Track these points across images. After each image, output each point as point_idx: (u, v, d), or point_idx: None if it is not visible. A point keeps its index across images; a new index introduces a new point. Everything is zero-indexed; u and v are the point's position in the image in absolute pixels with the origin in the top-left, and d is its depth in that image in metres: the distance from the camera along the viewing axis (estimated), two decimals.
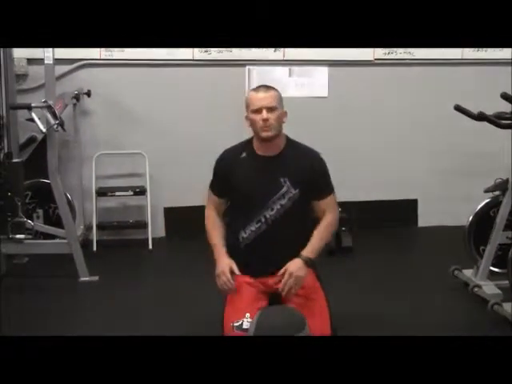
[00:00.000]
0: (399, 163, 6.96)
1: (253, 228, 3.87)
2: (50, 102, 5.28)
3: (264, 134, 3.79)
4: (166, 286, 5.40)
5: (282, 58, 6.61)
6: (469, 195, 5.52)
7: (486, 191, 5.18)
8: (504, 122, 4.78)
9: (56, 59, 5.38)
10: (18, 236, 5.45)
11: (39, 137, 5.87)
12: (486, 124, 4.76)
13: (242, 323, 3.71)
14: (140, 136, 6.65)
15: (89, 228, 6.55)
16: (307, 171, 3.88)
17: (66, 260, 5.50)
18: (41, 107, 5.30)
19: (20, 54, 6.04)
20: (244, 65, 6.63)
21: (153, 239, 6.48)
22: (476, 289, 4.94)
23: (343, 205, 6.13)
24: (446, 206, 6.93)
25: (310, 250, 3.88)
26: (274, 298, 4.01)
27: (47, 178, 5.56)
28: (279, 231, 3.84)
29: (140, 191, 6.56)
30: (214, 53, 6.48)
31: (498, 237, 4.95)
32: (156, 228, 6.70)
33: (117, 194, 6.60)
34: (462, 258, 5.29)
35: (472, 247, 5.21)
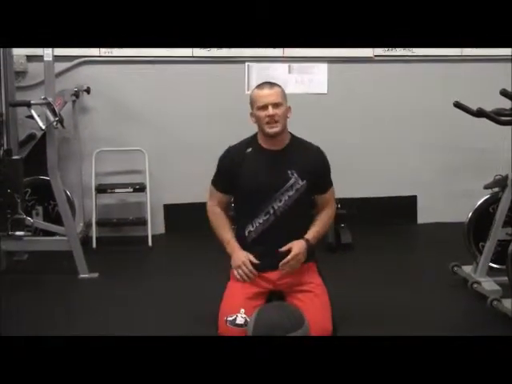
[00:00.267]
0: (399, 160, 6.95)
1: (261, 220, 3.92)
2: (50, 99, 5.28)
3: (270, 130, 3.85)
4: (166, 283, 5.39)
5: (281, 54, 6.60)
6: (468, 192, 5.53)
7: (486, 188, 5.18)
8: (503, 118, 4.79)
9: (55, 56, 5.36)
10: (17, 233, 5.44)
11: (39, 134, 5.85)
12: (485, 120, 4.77)
13: (235, 318, 3.76)
14: (139, 133, 6.65)
15: (88, 225, 6.55)
16: (313, 164, 4.00)
17: (65, 257, 5.50)
18: (40, 104, 5.29)
19: (19, 51, 6.03)
20: (243, 61, 6.63)
21: (152, 236, 6.48)
22: (475, 285, 4.95)
23: (343, 201, 6.18)
24: (445, 203, 6.93)
25: (313, 235, 4.00)
26: (276, 294, 4.04)
27: (47, 175, 5.56)
28: (286, 223, 3.89)
29: (140, 188, 6.56)
30: (214, 50, 6.48)
31: (497, 233, 4.95)
32: (156, 225, 6.70)
33: (116, 190, 6.59)
34: (461, 255, 5.29)
35: (471, 243, 5.22)
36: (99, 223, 6.52)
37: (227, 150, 4.08)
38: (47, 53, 5.27)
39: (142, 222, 6.58)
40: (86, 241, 6.23)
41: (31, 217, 5.82)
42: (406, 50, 6.68)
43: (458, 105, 4.96)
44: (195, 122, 6.67)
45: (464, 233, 5.22)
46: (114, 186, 6.61)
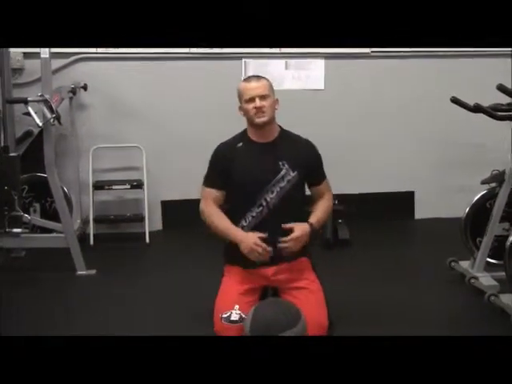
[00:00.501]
0: (396, 155, 6.96)
1: (254, 214, 3.91)
2: (47, 96, 5.28)
3: (258, 120, 3.87)
4: (164, 279, 5.40)
5: (278, 50, 6.60)
6: (465, 187, 5.54)
7: (483, 183, 5.19)
8: (500, 113, 4.79)
9: (52, 53, 5.36)
10: (14, 230, 5.46)
11: (36, 131, 5.86)
12: (482, 116, 4.77)
13: (230, 315, 3.76)
14: (137, 129, 6.65)
15: (86, 222, 6.56)
16: (303, 155, 4.00)
17: (63, 254, 5.49)
18: (37, 101, 5.30)
19: (16, 48, 6.02)
20: (240, 58, 6.63)
21: (150, 233, 6.48)
22: (473, 280, 4.95)
23: (340, 197, 6.18)
24: (442, 198, 6.94)
25: (316, 219, 3.99)
26: (270, 290, 4.04)
27: (44, 172, 5.55)
28: (280, 215, 3.87)
29: (137, 185, 6.56)
30: None
31: (494, 228, 4.96)
32: (153, 221, 6.70)
33: (114, 187, 6.59)
34: (458, 250, 5.30)
35: (468, 239, 5.22)
36: (96, 220, 6.52)
37: (218, 147, 4.09)
38: (44, 50, 5.26)
39: (140, 219, 6.57)
40: (83, 238, 6.23)
41: (28, 214, 5.83)
42: None
43: (454, 100, 4.96)
44: (192, 118, 6.67)
45: (461, 228, 5.22)
46: (111, 183, 6.61)
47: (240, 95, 3.97)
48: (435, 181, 7.01)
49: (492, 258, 5.10)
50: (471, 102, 4.78)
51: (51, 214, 6.07)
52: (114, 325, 4.46)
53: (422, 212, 7.13)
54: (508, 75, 5.13)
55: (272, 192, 3.89)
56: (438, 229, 6.69)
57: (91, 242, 6.34)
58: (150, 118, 6.69)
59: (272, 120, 3.95)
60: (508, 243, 4.53)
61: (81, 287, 5.34)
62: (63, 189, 5.86)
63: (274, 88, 4.01)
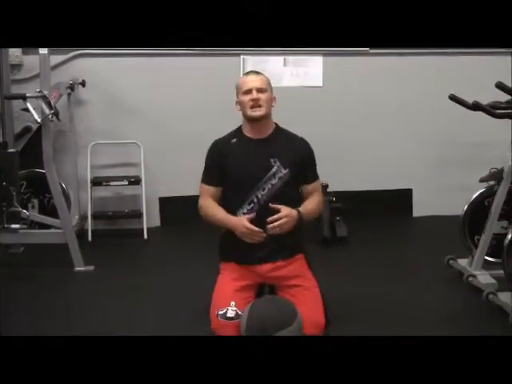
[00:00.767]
0: (394, 153, 6.96)
1: (245, 210, 3.92)
2: (45, 92, 5.27)
3: (253, 113, 3.88)
4: (162, 276, 5.40)
5: (276, 47, 6.60)
6: (463, 185, 5.52)
7: (481, 181, 5.19)
8: (499, 111, 4.79)
9: (51, 49, 5.35)
10: (13, 226, 5.46)
11: (34, 127, 5.86)
12: (481, 114, 4.77)
13: (226, 312, 3.78)
14: (135, 126, 6.65)
15: (84, 218, 6.56)
16: (296, 153, 4.01)
17: (61, 250, 5.49)
18: (36, 97, 5.29)
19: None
20: (239, 54, 6.63)
21: (148, 229, 6.48)
22: (471, 278, 4.95)
23: (338, 195, 6.20)
24: (440, 196, 6.94)
25: (305, 209, 3.99)
26: (266, 287, 4.05)
27: (42, 168, 5.55)
28: (271, 213, 3.85)
29: (135, 181, 6.56)
30: None
31: (492, 226, 4.95)
32: (151, 218, 6.71)
33: (112, 183, 6.59)
34: (456, 248, 5.30)
35: (467, 237, 5.22)
36: (95, 216, 6.52)
37: (213, 143, 4.12)
38: None
39: (138, 215, 6.58)
40: (81, 233, 6.23)
41: (27, 209, 5.84)
42: None
43: (453, 98, 4.96)
44: (191, 115, 6.67)
45: (459, 226, 5.22)
46: (109, 179, 6.61)
47: (238, 88, 4.00)
48: (433, 178, 7.01)
49: (490, 256, 5.09)
50: (470, 100, 4.78)
51: (49, 209, 6.07)
52: (113, 321, 4.46)
53: (420, 210, 7.13)
54: (507, 73, 5.14)
55: (263, 189, 3.90)
56: (436, 227, 6.68)
57: (89, 238, 6.34)
58: (148, 115, 6.69)
59: (267, 115, 3.96)
60: (506, 241, 4.53)
61: (79, 283, 5.33)
62: (61, 185, 5.86)
63: (273, 85, 4.03)
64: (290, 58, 6.73)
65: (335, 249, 6.07)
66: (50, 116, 5.31)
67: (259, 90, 3.90)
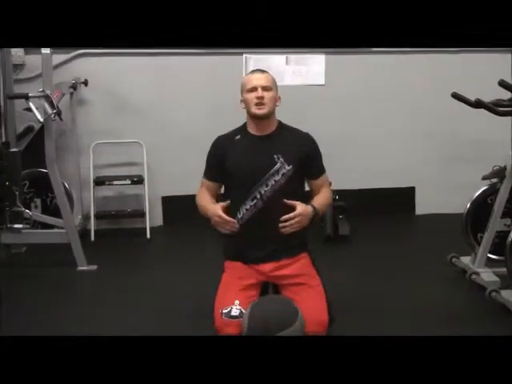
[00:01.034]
0: (397, 151, 6.96)
1: (248, 206, 3.90)
2: (48, 92, 5.28)
3: (257, 111, 3.87)
4: (165, 275, 5.40)
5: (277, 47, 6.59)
6: (466, 183, 5.52)
7: (484, 178, 5.18)
8: (501, 109, 4.78)
9: (53, 49, 5.36)
10: (15, 225, 5.46)
11: (37, 126, 5.85)
12: (483, 111, 4.76)
13: (230, 310, 3.77)
14: (137, 125, 6.66)
15: (87, 217, 6.56)
16: (300, 149, 3.98)
17: (64, 249, 5.50)
18: (38, 97, 5.30)
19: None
20: (241, 53, 6.63)
21: (151, 228, 6.48)
22: (474, 276, 4.95)
23: (341, 193, 6.19)
24: (443, 194, 6.94)
25: (318, 204, 3.96)
26: (271, 285, 4.04)
27: (45, 168, 5.55)
28: (274, 209, 3.84)
29: (138, 180, 6.56)
30: None
31: (495, 224, 4.95)
32: (154, 217, 6.71)
33: (114, 183, 6.60)
34: (459, 246, 5.30)
35: (469, 234, 5.22)
36: (97, 216, 6.53)
37: (216, 139, 4.11)
38: None
39: (140, 215, 6.58)
40: (84, 233, 6.24)
41: (29, 209, 5.84)
42: None
43: (456, 96, 4.96)
44: (193, 114, 6.68)
45: (462, 224, 5.22)
46: (112, 179, 6.62)
47: (243, 86, 3.98)
48: (436, 176, 7.01)
49: (493, 254, 5.09)
50: (472, 98, 4.77)
51: (52, 209, 6.08)
52: (115, 321, 4.46)
53: (422, 208, 7.14)
54: (509, 70, 5.13)
55: (267, 185, 3.88)
56: (438, 224, 6.69)
57: (92, 237, 6.35)
58: (150, 114, 6.69)
59: (271, 114, 3.95)
60: (509, 239, 4.53)
61: (82, 283, 5.35)
62: (64, 184, 5.86)
63: None
64: (292, 57, 6.72)
65: (338, 247, 6.07)
66: (53, 115, 5.32)
67: (264, 88, 3.89)
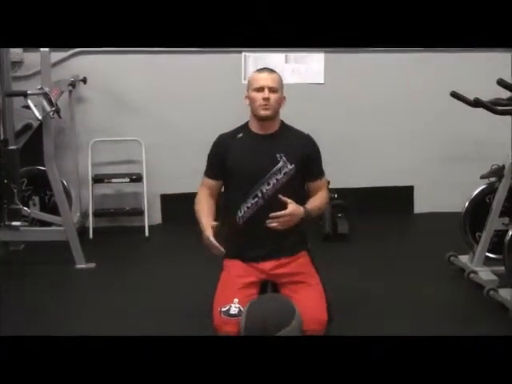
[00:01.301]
0: (395, 150, 6.96)
1: (249, 205, 3.89)
2: (46, 89, 5.27)
3: (263, 113, 3.86)
4: (163, 273, 5.41)
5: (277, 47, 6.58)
6: (465, 181, 5.52)
7: (482, 177, 5.19)
8: (500, 108, 4.78)
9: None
10: (14, 223, 5.46)
11: (35, 124, 5.85)
12: (482, 110, 4.76)
13: (229, 308, 3.76)
14: (136, 123, 6.66)
15: (85, 215, 6.56)
16: (302, 150, 3.97)
17: (62, 247, 5.50)
18: (37, 94, 5.29)
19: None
20: (240, 51, 6.62)
21: (149, 226, 6.48)
22: (472, 275, 4.96)
23: (340, 191, 6.19)
24: (441, 193, 6.94)
25: (312, 206, 3.94)
26: (270, 283, 4.04)
27: (43, 165, 5.56)
28: (275, 207, 3.84)
29: (136, 178, 6.56)
30: None
31: (493, 223, 4.96)
32: (152, 215, 6.71)
33: (113, 181, 6.60)
34: (457, 244, 5.31)
35: (468, 233, 5.23)
36: (96, 213, 6.53)
37: (218, 137, 4.10)
38: None
39: (139, 213, 6.58)
40: (82, 231, 6.23)
41: (28, 207, 5.84)
42: None
43: (454, 95, 4.96)
44: (192, 112, 6.68)
45: (460, 223, 5.23)
46: (110, 177, 6.62)
47: (250, 83, 3.96)
48: (435, 175, 7.01)
49: (491, 253, 5.10)
50: (471, 97, 4.78)
51: (50, 207, 6.08)
52: (113, 319, 4.47)
53: (421, 206, 7.14)
54: (508, 69, 5.13)
55: (268, 184, 3.88)
56: (437, 223, 6.69)
57: (90, 235, 6.34)
58: (149, 112, 6.69)
59: (275, 115, 3.94)
60: (507, 238, 4.54)
61: (80, 281, 5.35)
62: (62, 182, 5.87)
63: None
64: (292, 55, 6.72)
65: (337, 245, 6.07)
66: (51, 113, 5.32)
67: (271, 90, 3.87)
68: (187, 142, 6.58)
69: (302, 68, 6.75)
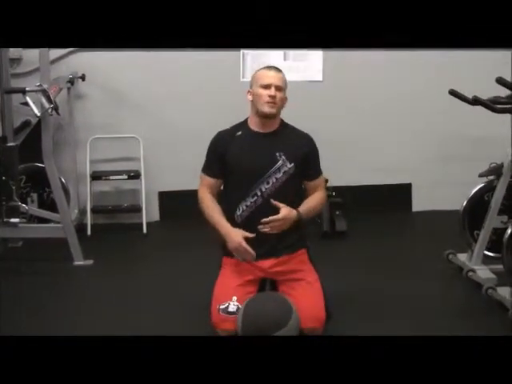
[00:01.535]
0: (393, 148, 6.96)
1: (248, 203, 3.91)
2: (45, 86, 5.27)
3: (268, 110, 3.89)
4: (161, 270, 5.41)
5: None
6: (463, 180, 5.52)
7: (481, 176, 5.18)
8: (499, 106, 4.78)
9: None
10: (12, 220, 5.44)
11: (34, 121, 5.86)
12: (481, 108, 4.76)
13: (227, 306, 3.79)
14: (134, 120, 6.65)
15: (83, 212, 6.56)
16: (301, 148, 4.02)
17: (60, 244, 5.49)
18: (35, 91, 5.28)
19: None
20: (239, 48, 6.62)
21: (147, 223, 6.48)
22: (470, 273, 4.95)
23: (338, 189, 6.19)
24: (440, 191, 6.93)
25: (305, 209, 3.99)
26: (269, 281, 4.05)
27: (42, 162, 5.56)
28: (274, 206, 3.85)
29: (134, 175, 6.56)
30: None
31: (492, 221, 4.95)
32: (150, 212, 6.71)
33: (111, 177, 6.59)
34: (456, 243, 5.30)
35: (466, 231, 5.21)
36: (94, 210, 6.53)
37: (217, 134, 4.11)
38: None
39: (137, 209, 6.58)
40: (80, 228, 6.23)
41: (26, 204, 5.84)
42: None
43: (453, 93, 4.96)
44: (190, 109, 6.67)
45: (459, 221, 5.22)
46: (108, 173, 6.61)
47: (256, 79, 3.98)
48: (433, 173, 7.00)
49: (490, 251, 5.09)
50: (470, 95, 4.78)
51: (49, 204, 6.08)
52: (111, 316, 4.46)
53: (419, 204, 7.13)
54: (507, 68, 5.13)
55: (267, 182, 3.89)
56: (435, 221, 6.69)
57: (89, 232, 6.35)
58: (147, 109, 6.69)
59: (277, 115, 3.98)
60: (506, 236, 4.53)
61: (78, 277, 5.34)
62: (61, 179, 5.86)
63: None
64: (290, 53, 6.71)
65: (335, 243, 6.07)
66: (50, 110, 5.31)
67: (277, 88, 3.92)
68: (185, 140, 6.57)
69: (300, 65, 6.74)
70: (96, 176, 6.57)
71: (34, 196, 6.19)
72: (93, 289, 5.06)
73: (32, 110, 5.27)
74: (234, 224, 3.96)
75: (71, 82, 6.30)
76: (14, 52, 6.16)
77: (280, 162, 3.91)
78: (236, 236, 3.88)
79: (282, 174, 3.91)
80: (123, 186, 6.76)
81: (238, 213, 3.94)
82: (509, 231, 4.53)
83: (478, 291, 4.65)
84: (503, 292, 4.49)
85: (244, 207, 3.93)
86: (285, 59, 6.69)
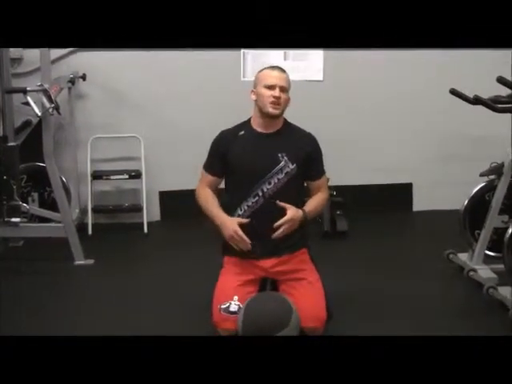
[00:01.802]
0: (394, 147, 6.95)
1: (249, 203, 3.92)
2: (46, 86, 5.27)
3: (272, 110, 3.89)
4: (162, 269, 5.41)
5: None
6: (463, 179, 5.51)
7: (481, 175, 5.18)
8: (500, 105, 4.78)
9: None
10: (13, 219, 5.45)
11: (34, 120, 5.86)
12: (482, 108, 4.76)
13: (228, 306, 3.79)
14: (135, 119, 6.65)
15: (84, 211, 6.56)
16: (304, 149, 4.02)
17: (61, 243, 5.49)
18: (36, 91, 5.28)
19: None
20: (239, 48, 6.62)
21: (148, 223, 6.48)
22: (471, 273, 4.95)
23: (338, 189, 6.19)
24: (440, 190, 6.93)
25: (310, 208, 4.01)
26: (270, 281, 4.05)
27: (42, 162, 5.56)
28: (275, 206, 3.86)
29: (135, 175, 6.56)
30: None
31: (493, 221, 4.95)
32: (151, 212, 6.71)
33: (112, 177, 6.59)
34: (457, 242, 5.30)
35: (467, 231, 5.21)
36: (95, 210, 6.52)
37: (220, 133, 4.12)
38: None
39: (138, 209, 6.58)
40: (81, 227, 6.22)
41: (27, 203, 5.85)
42: None
43: (454, 92, 4.96)
44: (191, 108, 6.67)
45: (460, 220, 5.22)
46: (109, 173, 6.61)
47: (260, 79, 3.98)
48: (434, 173, 7.00)
49: (491, 251, 5.09)
50: (471, 94, 4.78)
51: (50, 203, 6.08)
52: (112, 316, 4.46)
53: (420, 204, 7.13)
54: (508, 67, 5.13)
55: (269, 183, 3.90)
56: (436, 221, 6.68)
57: (89, 231, 6.34)
58: (148, 108, 6.69)
59: (281, 115, 3.99)
60: (507, 236, 4.53)
61: (79, 277, 5.34)
62: (62, 178, 5.86)
63: None
64: (291, 52, 6.71)
65: (335, 243, 6.07)
66: (51, 110, 5.31)
67: (281, 89, 3.93)
68: (186, 139, 6.58)
69: (300, 65, 6.74)
70: (97, 175, 6.57)
71: (35, 195, 6.19)
72: (93, 288, 5.06)
73: (33, 109, 5.27)
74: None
75: (72, 81, 6.30)
76: (14, 52, 6.16)
77: (282, 163, 3.91)
78: (231, 224, 3.88)
79: (283, 174, 3.91)
80: (124, 185, 6.76)
81: (240, 212, 3.94)
82: (510, 231, 4.53)
83: (479, 291, 4.65)
84: (504, 291, 4.49)
85: (245, 207, 3.93)
86: (285, 59, 6.68)
